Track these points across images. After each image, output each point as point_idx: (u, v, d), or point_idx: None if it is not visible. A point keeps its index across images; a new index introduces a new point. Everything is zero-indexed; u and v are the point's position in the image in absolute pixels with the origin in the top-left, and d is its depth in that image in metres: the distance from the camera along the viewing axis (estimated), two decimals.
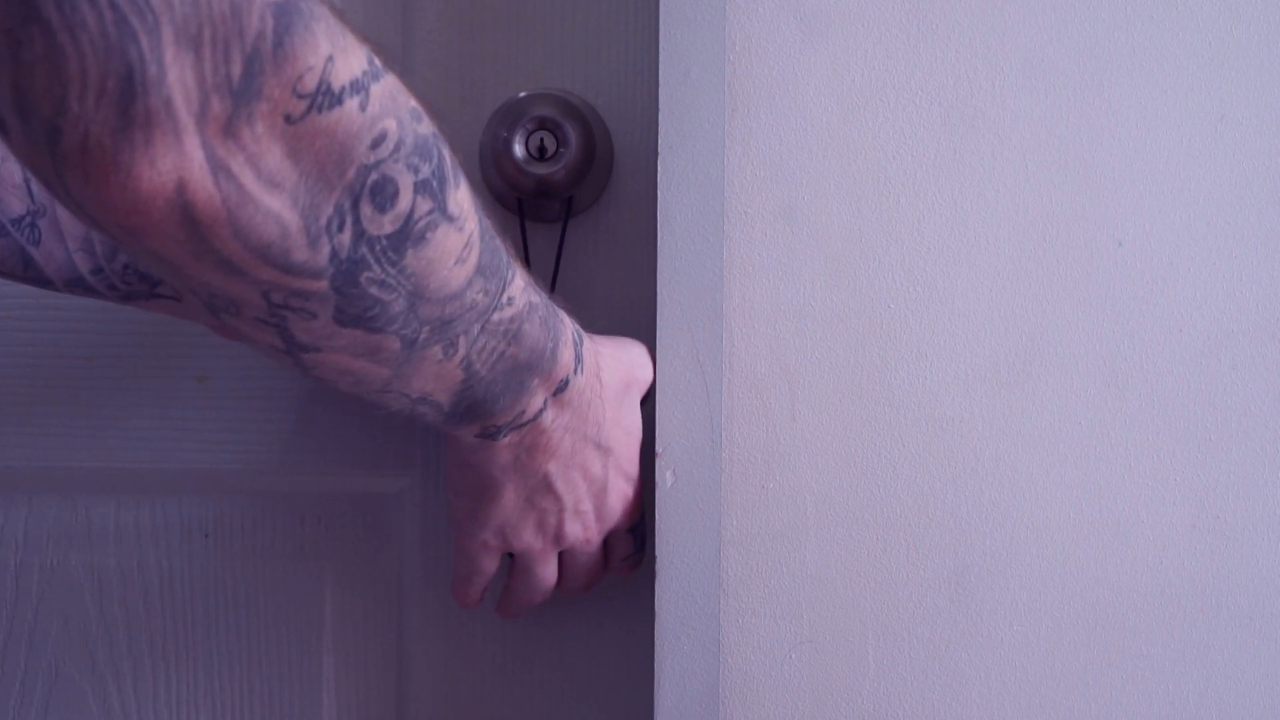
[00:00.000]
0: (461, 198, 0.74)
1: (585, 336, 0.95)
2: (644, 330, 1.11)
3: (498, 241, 0.81)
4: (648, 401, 1.06)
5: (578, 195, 1.11)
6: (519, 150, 1.09)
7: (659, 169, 1.07)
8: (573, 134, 1.09)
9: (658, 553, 1.08)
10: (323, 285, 0.68)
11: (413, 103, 0.72)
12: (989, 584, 1.11)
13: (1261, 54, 1.09)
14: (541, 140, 1.09)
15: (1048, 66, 1.09)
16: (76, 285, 0.86)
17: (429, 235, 0.71)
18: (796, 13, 1.08)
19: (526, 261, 1.11)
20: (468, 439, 0.92)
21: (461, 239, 0.74)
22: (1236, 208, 1.09)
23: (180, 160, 0.59)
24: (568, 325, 0.92)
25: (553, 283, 1.11)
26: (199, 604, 1.15)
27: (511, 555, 1.04)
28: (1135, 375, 1.10)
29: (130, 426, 1.14)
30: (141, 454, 1.14)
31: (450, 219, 0.72)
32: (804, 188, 1.09)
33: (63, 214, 0.86)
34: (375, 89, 0.67)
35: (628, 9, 1.11)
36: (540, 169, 1.09)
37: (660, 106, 1.06)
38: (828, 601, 1.11)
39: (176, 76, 0.58)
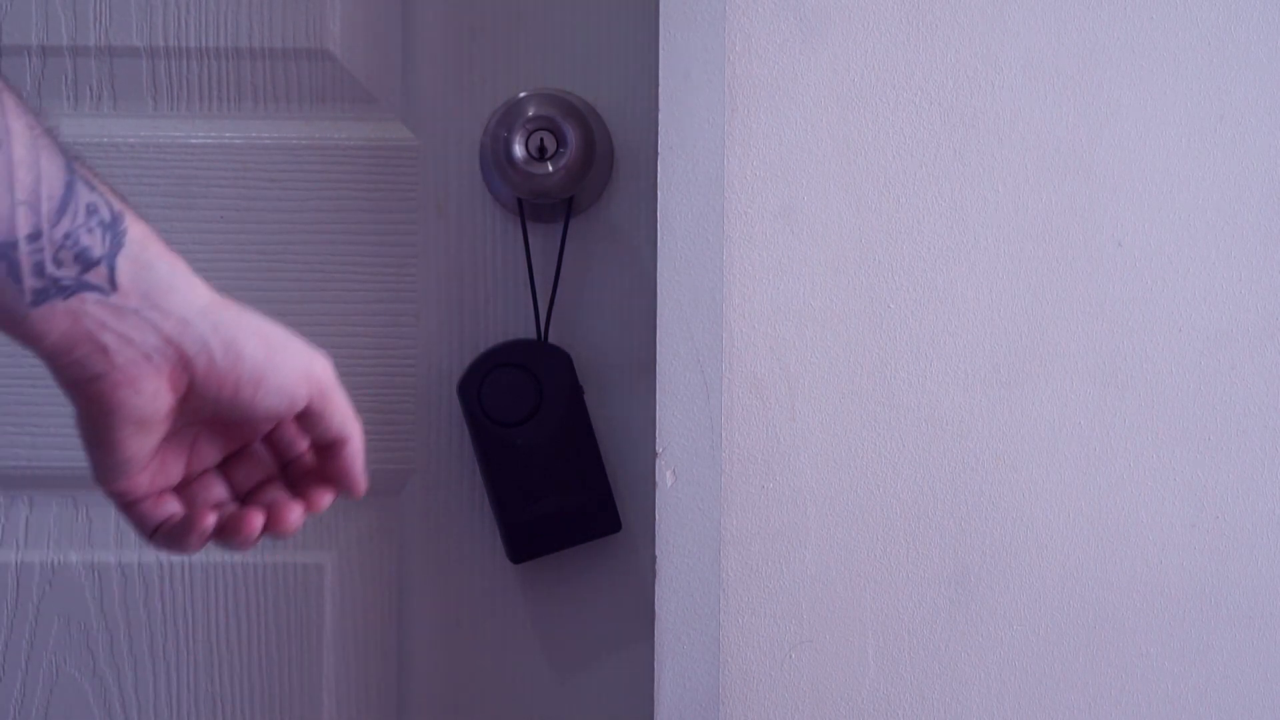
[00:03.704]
0: None
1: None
2: (644, 330, 1.12)
3: None
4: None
5: (578, 195, 1.11)
6: (519, 150, 1.09)
7: (659, 169, 1.07)
8: (573, 134, 1.09)
9: (658, 553, 1.08)
10: None
11: None
12: (989, 584, 1.11)
13: (1260, 54, 1.09)
14: (541, 140, 1.09)
15: (1048, 66, 1.09)
16: (3, 255, 0.78)
17: None
18: (796, 13, 1.08)
19: (528, 262, 1.11)
20: None
21: None
22: (1236, 208, 1.10)
23: None
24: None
25: (554, 283, 1.11)
26: (199, 604, 1.15)
27: None
28: (1135, 375, 1.10)
29: None
30: None
31: None
32: (804, 188, 1.09)
33: (18, 153, 0.79)
34: None
35: (628, 9, 1.11)
36: (540, 169, 1.09)
37: (660, 106, 1.07)
38: (828, 601, 1.11)
39: None
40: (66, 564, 1.15)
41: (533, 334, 1.11)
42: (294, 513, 0.86)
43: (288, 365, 0.83)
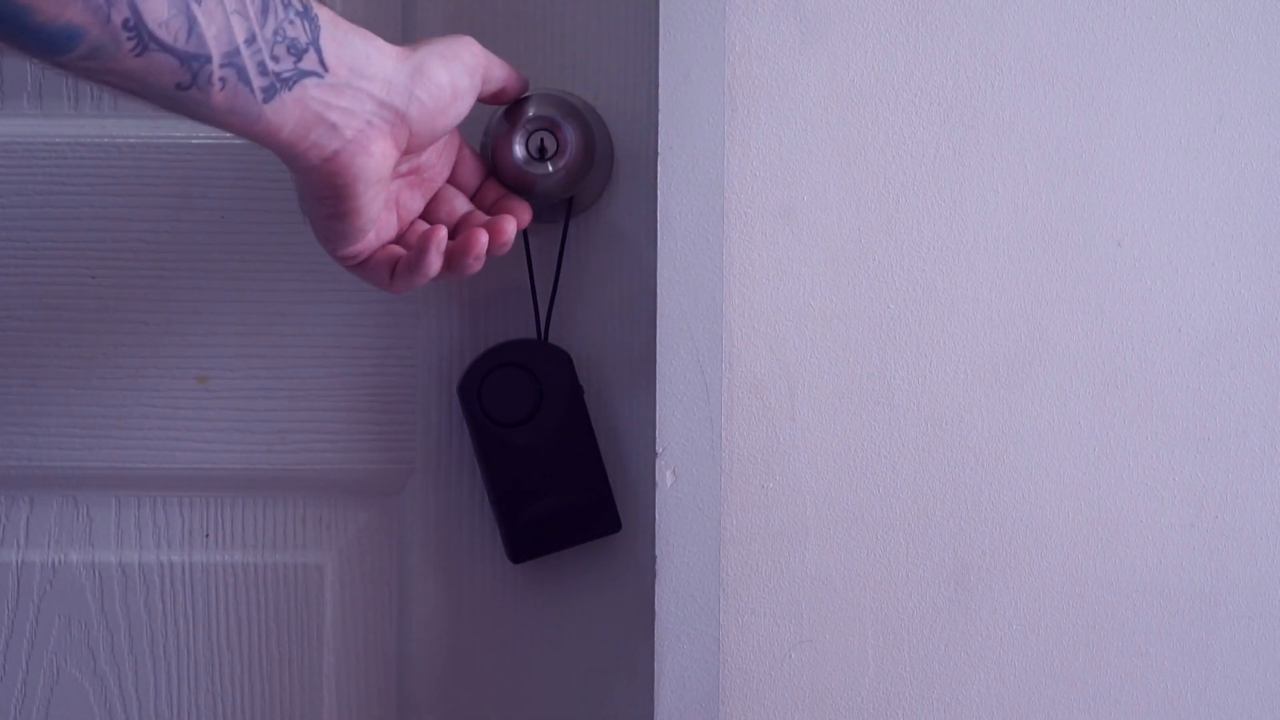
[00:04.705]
0: None
1: None
2: (644, 330, 1.12)
3: None
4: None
5: (578, 195, 1.11)
6: (519, 150, 1.09)
7: (659, 169, 1.07)
8: (573, 134, 1.09)
9: (658, 553, 1.08)
10: None
11: None
12: (988, 584, 1.11)
13: (1259, 54, 1.09)
14: (541, 140, 1.09)
15: (1048, 66, 1.09)
16: (230, 63, 0.84)
17: None
18: (796, 13, 1.08)
19: (528, 262, 1.11)
20: None
21: None
22: (1235, 208, 1.10)
23: None
24: None
25: (554, 283, 1.11)
26: (199, 604, 1.15)
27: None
28: (1135, 375, 1.10)
29: (130, 426, 1.14)
30: (141, 454, 1.14)
31: None
32: (804, 188, 1.10)
33: None
34: None
35: (628, 9, 1.11)
36: (540, 169, 1.09)
37: (660, 107, 1.07)
38: (828, 601, 1.11)
39: None
40: (67, 564, 1.15)
41: (533, 334, 1.11)
42: (508, 223, 0.98)
43: (463, 66, 0.94)
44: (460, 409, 1.12)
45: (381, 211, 0.95)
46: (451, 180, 1.03)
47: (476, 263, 0.97)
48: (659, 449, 1.08)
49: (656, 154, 1.07)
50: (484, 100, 0.98)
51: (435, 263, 0.95)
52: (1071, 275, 1.10)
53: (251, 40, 0.82)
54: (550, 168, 1.09)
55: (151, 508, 1.15)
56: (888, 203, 1.09)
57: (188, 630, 1.16)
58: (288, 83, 0.85)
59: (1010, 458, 1.10)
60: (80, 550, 1.15)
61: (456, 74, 0.93)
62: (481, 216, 1.01)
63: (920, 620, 1.11)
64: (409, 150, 0.92)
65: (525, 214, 1.03)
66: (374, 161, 0.90)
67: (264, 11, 0.83)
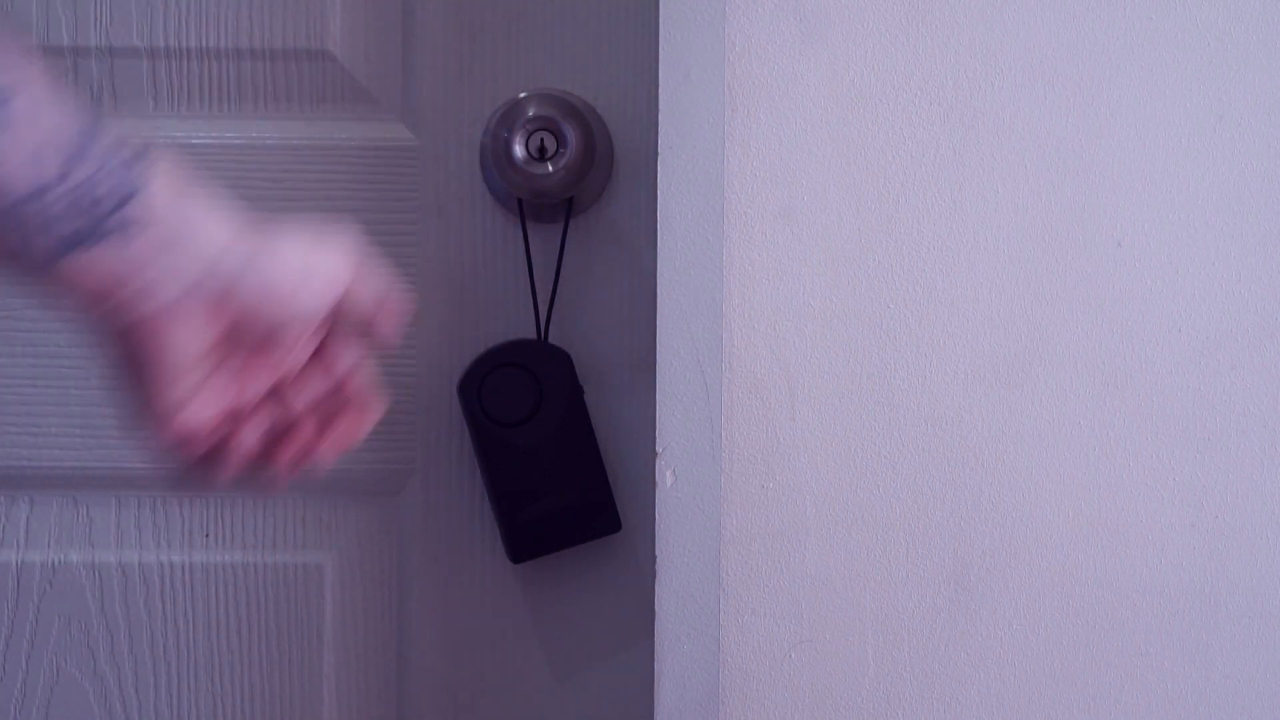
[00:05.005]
0: None
1: None
2: (644, 330, 1.12)
3: None
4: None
5: (578, 195, 1.11)
6: (519, 150, 1.09)
7: (659, 169, 1.07)
8: (573, 134, 1.09)
9: (658, 553, 1.08)
10: None
11: None
12: (989, 583, 1.11)
13: (1259, 54, 1.09)
14: (541, 140, 1.09)
15: (1048, 66, 1.09)
16: (32, 203, 0.73)
17: None
18: (796, 13, 1.08)
19: (528, 262, 1.11)
20: None
21: None
22: (1235, 208, 1.10)
23: None
24: None
25: (554, 282, 1.11)
26: (199, 604, 1.15)
27: None
28: (1135, 375, 1.10)
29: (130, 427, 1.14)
30: (141, 454, 1.14)
31: None
32: (804, 188, 1.10)
33: (26, 105, 0.75)
34: None
35: (628, 10, 1.11)
36: (540, 169, 1.09)
37: (660, 107, 1.07)
38: (828, 601, 1.11)
39: None
40: (66, 564, 1.15)
41: (533, 334, 1.11)
42: (340, 440, 0.82)
43: (328, 254, 0.78)
44: (460, 409, 1.12)
45: (195, 396, 0.79)
46: (307, 368, 0.84)
47: (285, 476, 0.82)
48: (659, 449, 1.08)
49: (656, 154, 1.07)
50: (357, 329, 0.82)
51: (228, 473, 0.80)
52: (1071, 275, 1.10)
53: (63, 179, 0.71)
54: (550, 168, 1.09)
55: (151, 508, 1.15)
56: (888, 203, 1.09)
57: (188, 630, 1.16)
58: (96, 234, 0.73)
59: (1010, 458, 1.10)
60: (80, 550, 1.15)
61: (314, 259, 0.77)
62: (313, 422, 0.84)
63: (920, 620, 1.11)
64: (238, 331, 0.78)
65: (369, 422, 0.84)
66: (187, 337, 0.76)
67: (84, 151, 0.72)
